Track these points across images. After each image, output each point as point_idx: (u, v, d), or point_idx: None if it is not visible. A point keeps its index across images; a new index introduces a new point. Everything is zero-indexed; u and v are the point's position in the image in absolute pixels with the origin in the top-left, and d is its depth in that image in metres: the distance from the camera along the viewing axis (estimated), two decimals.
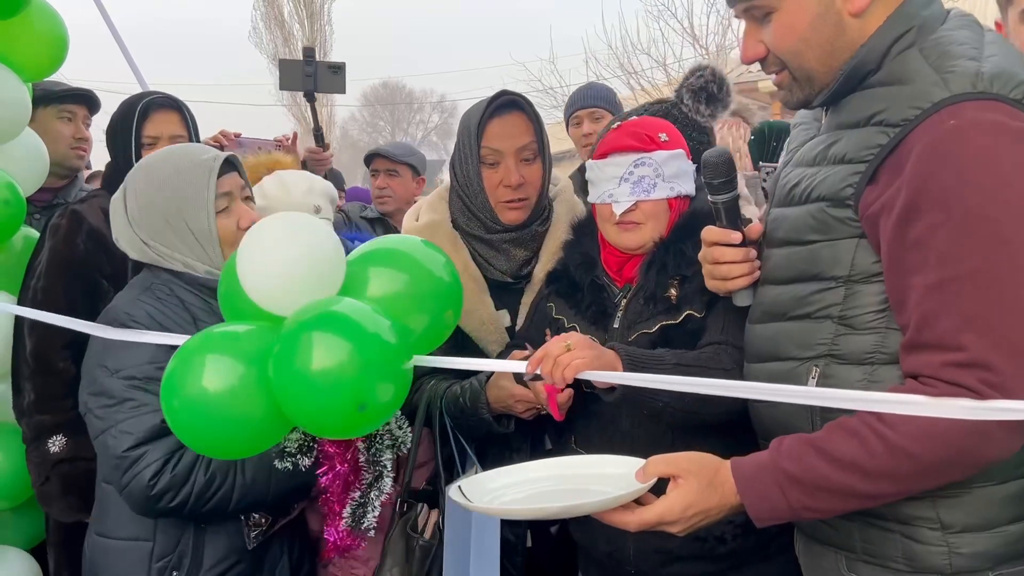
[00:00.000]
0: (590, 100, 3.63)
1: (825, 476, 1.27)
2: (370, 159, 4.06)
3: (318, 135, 3.57)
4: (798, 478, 1.29)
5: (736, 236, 1.56)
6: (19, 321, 2.34)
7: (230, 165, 1.91)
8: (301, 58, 3.47)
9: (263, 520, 1.86)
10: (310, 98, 3.51)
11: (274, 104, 22.43)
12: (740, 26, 1.48)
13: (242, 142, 3.18)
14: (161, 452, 1.71)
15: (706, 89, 2.86)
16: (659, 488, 1.38)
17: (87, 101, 2.93)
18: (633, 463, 1.43)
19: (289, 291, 1.48)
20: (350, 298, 1.50)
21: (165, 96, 2.48)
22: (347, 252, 2.87)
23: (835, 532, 1.43)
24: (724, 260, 1.57)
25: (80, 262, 2.33)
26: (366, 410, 1.38)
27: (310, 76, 3.36)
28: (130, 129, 2.38)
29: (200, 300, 1.87)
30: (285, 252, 1.48)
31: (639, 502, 1.36)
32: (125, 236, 1.88)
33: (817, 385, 1.37)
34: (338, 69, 3.41)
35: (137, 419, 1.72)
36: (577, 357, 1.52)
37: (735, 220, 1.57)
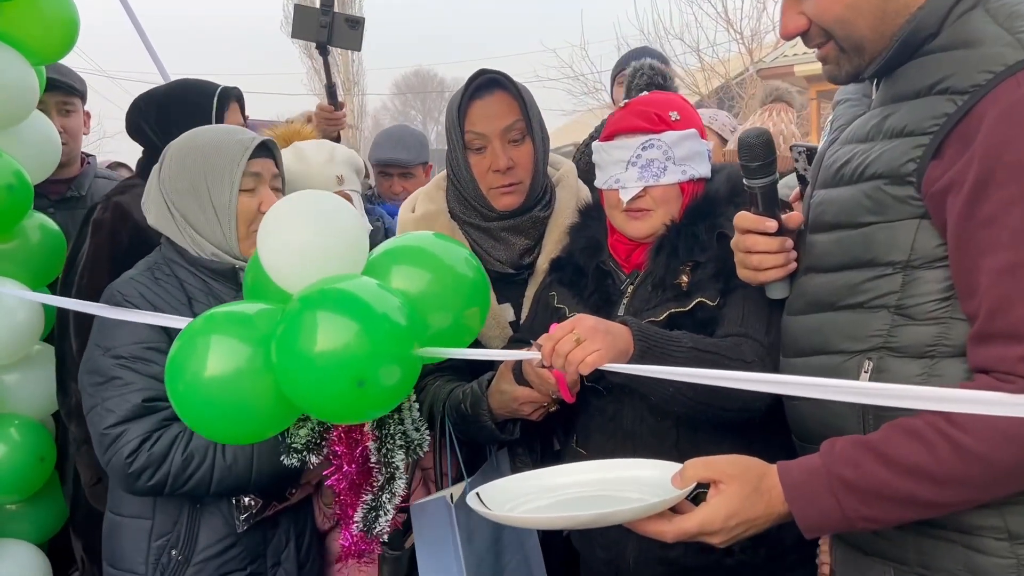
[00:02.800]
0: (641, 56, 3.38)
1: (886, 483, 1.17)
2: (382, 167, 3.78)
3: (331, 91, 3.33)
4: (855, 485, 1.19)
5: (771, 224, 1.45)
6: (63, 320, 2.32)
7: (267, 151, 1.94)
8: (318, 6, 3.15)
9: (253, 504, 1.85)
10: (323, 51, 3.25)
11: (306, 94, 22.54)
12: (775, 9, 1.36)
13: (251, 124, 3.06)
14: (140, 431, 1.74)
15: (653, 84, 2.74)
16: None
17: (80, 94, 2.88)
18: (664, 466, 1.34)
19: (307, 269, 1.46)
20: (364, 276, 1.46)
21: (235, 88, 2.49)
22: (384, 225, 2.77)
23: (885, 542, 1.32)
24: (756, 250, 1.47)
25: (123, 258, 2.26)
26: (365, 387, 1.34)
27: (325, 27, 3.07)
28: (208, 119, 2.32)
29: (199, 281, 1.89)
30: (305, 228, 1.47)
31: (674, 510, 1.27)
32: (153, 200, 1.92)
33: (870, 381, 1.27)
34: (356, 23, 3.12)
35: (120, 397, 1.76)
36: (590, 351, 1.43)
37: (773, 207, 1.46)
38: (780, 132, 3.45)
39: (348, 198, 2.24)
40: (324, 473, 1.71)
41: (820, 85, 13.52)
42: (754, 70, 14.84)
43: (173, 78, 2.73)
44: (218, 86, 2.45)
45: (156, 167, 1.95)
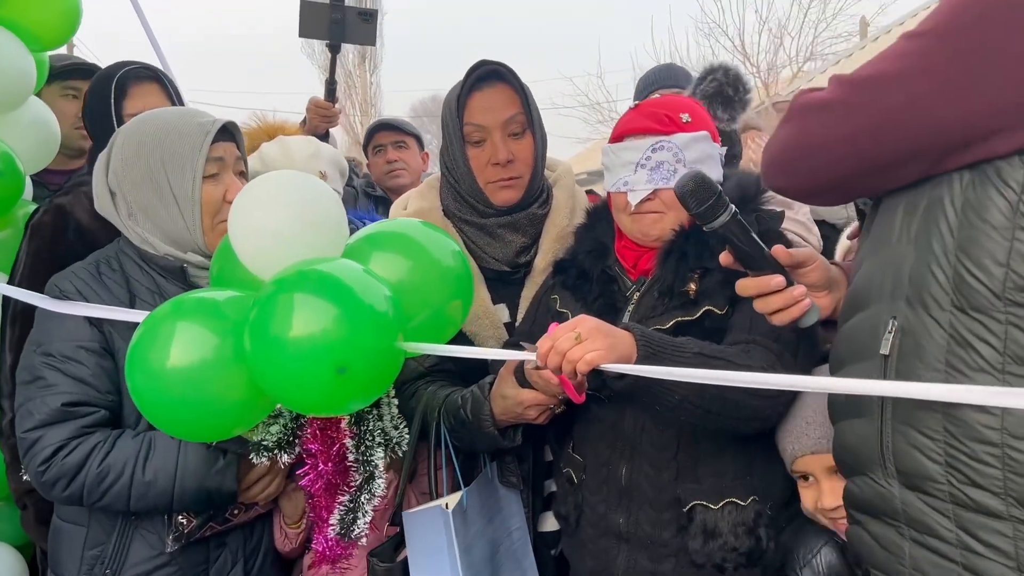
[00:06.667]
0: (670, 80, 3.19)
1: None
2: (371, 135, 3.84)
3: (331, 88, 3.24)
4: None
5: (777, 282, 1.36)
6: None
7: (229, 134, 1.82)
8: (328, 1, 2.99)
9: (186, 523, 1.71)
10: (334, 50, 3.11)
11: None
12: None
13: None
14: (57, 438, 1.63)
15: (721, 93, 2.60)
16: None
17: (92, 75, 2.78)
18: None
19: (282, 250, 1.40)
20: (344, 259, 1.41)
21: (142, 66, 2.28)
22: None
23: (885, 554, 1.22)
24: (749, 294, 1.39)
25: (66, 263, 2.05)
26: (347, 374, 1.29)
27: (338, 23, 2.91)
28: (108, 109, 2.18)
29: (148, 278, 1.77)
30: (280, 207, 1.41)
31: None
32: (99, 192, 1.79)
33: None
34: (370, 16, 2.97)
35: (41, 400, 1.65)
36: (590, 349, 1.38)
37: (749, 238, 1.37)
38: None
39: None
40: (298, 473, 1.63)
41: None
42: (770, 103, 14.86)
43: (189, 93, 2.63)
44: (119, 69, 2.24)
45: (103, 155, 1.79)
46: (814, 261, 1.44)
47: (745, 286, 1.39)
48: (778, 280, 1.36)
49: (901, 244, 1.19)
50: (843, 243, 2.30)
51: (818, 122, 1.23)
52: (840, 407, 1.31)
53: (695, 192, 1.34)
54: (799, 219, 2.70)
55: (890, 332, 1.17)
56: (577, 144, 23.42)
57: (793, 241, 2.42)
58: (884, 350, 1.17)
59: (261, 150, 2.27)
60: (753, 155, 3.30)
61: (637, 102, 1.77)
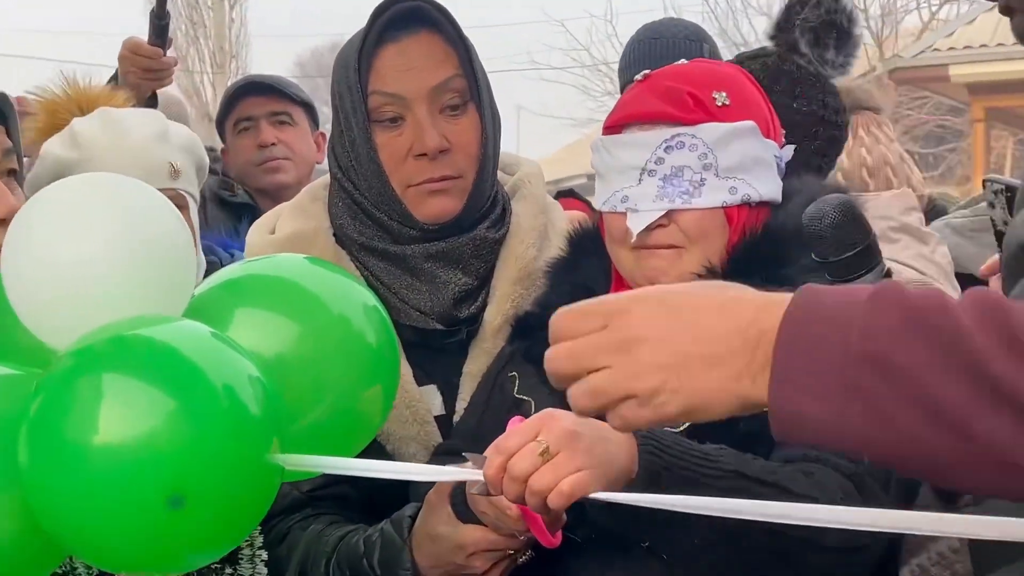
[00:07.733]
0: (664, 51, 3.30)
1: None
2: (232, 103, 3.85)
3: (161, 28, 3.33)
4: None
5: None
6: None
7: None
8: None
9: None
10: None
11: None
12: None
13: (28, 109, 3.11)
14: None
15: (835, 23, 2.76)
16: None
17: None
18: None
19: (87, 301, 1.43)
20: (186, 319, 1.47)
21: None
22: (220, 262, 2.76)
23: None
24: None
25: None
26: (184, 508, 1.31)
27: None
28: None
29: None
30: (87, 230, 1.45)
31: None
32: None
33: None
34: None
35: None
36: (565, 472, 1.42)
37: None
38: (884, 159, 3.44)
39: (182, 204, 2.25)
40: None
41: (990, 99, 13.59)
42: (885, 70, 15.25)
43: None
44: None
45: None
46: None
47: None
48: None
49: None
50: None
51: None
52: None
53: (840, 229, 1.37)
54: (936, 260, 2.84)
55: None
56: (572, 128, 23.77)
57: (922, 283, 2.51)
58: None
59: (74, 130, 2.33)
60: (866, 153, 3.43)
61: (646, 72, 1.84)
